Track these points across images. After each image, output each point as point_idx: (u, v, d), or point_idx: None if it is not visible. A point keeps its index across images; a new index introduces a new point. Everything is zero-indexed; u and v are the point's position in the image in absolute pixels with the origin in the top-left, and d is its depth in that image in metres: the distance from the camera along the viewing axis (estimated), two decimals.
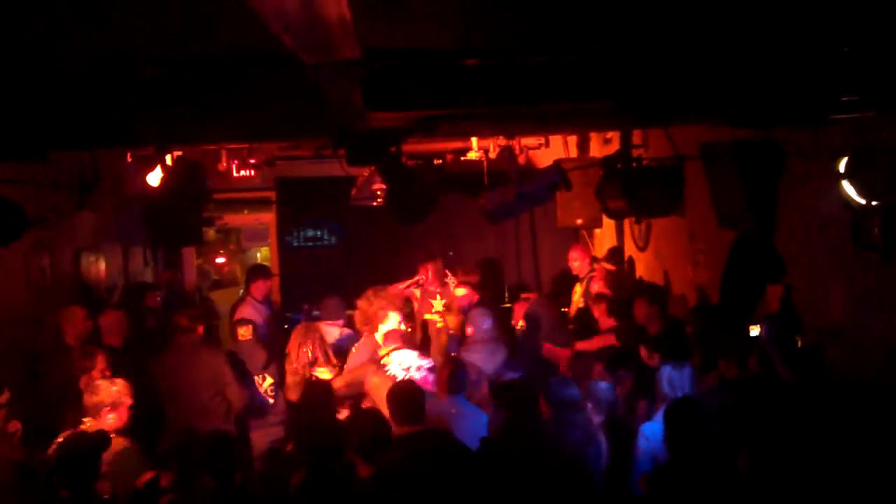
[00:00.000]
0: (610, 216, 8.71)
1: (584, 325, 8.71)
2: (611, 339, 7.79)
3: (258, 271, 9.51)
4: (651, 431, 5.13)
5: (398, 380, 6.20)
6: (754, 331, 5.84)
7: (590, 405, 5.71)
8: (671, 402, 5.08)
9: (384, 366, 6.68)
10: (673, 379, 5.42)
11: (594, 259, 9.93)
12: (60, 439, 5.07)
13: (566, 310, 9.52)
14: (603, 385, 5.89)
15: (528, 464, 4.93)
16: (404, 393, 5.36)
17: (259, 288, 9.05)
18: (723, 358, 5.87)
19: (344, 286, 10.57)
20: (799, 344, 6.25)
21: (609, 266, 10.06)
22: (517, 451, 5.08)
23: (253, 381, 7.43)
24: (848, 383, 5.57)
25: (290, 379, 7.48)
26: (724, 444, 4.98)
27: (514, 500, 4.80)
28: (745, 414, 5.12)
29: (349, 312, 8.37)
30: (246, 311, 8.72)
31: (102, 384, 5.61)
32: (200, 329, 7.31)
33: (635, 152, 7.85)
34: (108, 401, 5.47)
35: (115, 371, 6.35)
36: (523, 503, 4.81)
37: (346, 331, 8.40)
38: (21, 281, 7.51)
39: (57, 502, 4.56)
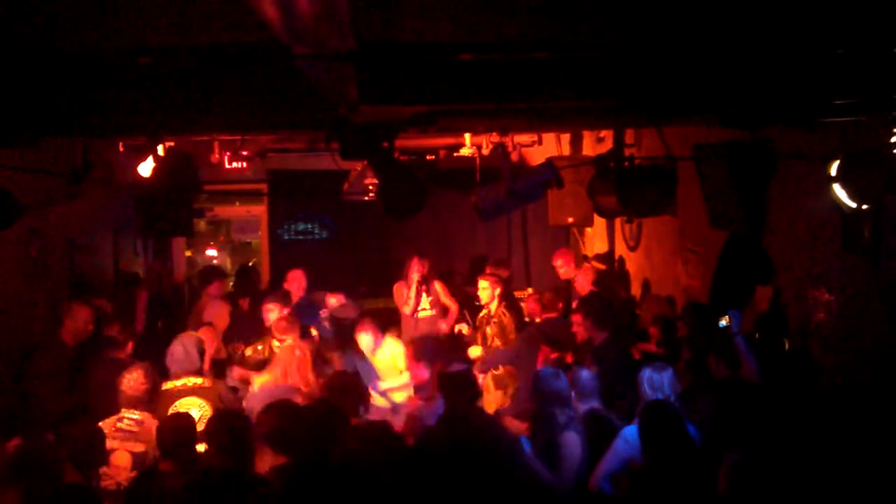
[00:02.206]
0: (601, 215, 8.72)
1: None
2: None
3: (213, 273, 9.72)
4: (632, 434, 5.14)
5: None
6: (723, 321, 5.86)
7: (573, 393, 5.75)
8: (646, 404, 5.11)
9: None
10: (654, 380, 5.44)
11: (584, 258, 9.95)
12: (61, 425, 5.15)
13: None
14: (585, 373, 5.92)
15: (459, 454, 4.96)
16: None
17: (216, 288, 9.21)
18: (713, 356, 5.89)
19: (334, 280, 10.60)
20: (787, 346, 6.29)
21: (599, 265, 10.09)
22: (451, 440, 5.13)
23: None
24: (835, 386, 5.60)
25: None
26: (708, 444, 5.00)
27: (446, 491, 4.82)
28: (733, 415, 5.13)
29: None
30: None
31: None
32: (130, 345, 6.96)
33: (628, 151, 7.87)
34: None
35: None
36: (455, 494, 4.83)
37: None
38: (13, 269, 7.48)
39: (61, 487, 4.57)
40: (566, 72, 3.97)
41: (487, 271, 9.84)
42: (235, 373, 7.45)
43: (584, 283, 9.05)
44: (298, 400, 5.63)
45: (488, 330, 8.81)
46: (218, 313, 8.24)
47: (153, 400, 5.69)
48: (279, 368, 6.38)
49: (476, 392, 5.76)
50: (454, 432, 5.24)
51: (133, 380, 5.61)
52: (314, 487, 4.55)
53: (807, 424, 4.79)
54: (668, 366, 5.63)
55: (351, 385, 5.77)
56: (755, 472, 4.38)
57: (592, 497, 5.24)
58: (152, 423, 5.50)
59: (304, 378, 6.25)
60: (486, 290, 8.94)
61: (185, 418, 5.18)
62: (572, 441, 5.43)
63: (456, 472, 4.83)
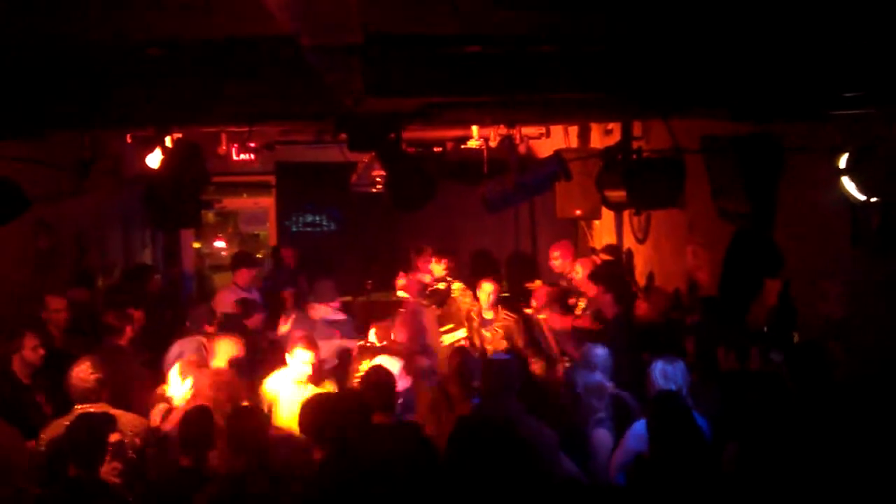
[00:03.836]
0: (609, 207, 8.71)
1: None
2: None
3: (242, 259, 9.48)
4: (643, 427, 5.14)
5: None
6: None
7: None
8: (656, 394, 5.11)
9: None
10: (667, 372, 5.44)
11: (592, 250, 9.92)
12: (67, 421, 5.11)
13: None
14: (601, 350, 5.96)
15: (493, 446, 4.89)
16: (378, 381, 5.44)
17: (243, 276, 9.06)
18: (722, 348, 5.89)
19: (342, 272, 10.63)
20: (796, 339, 6.27)
21: (606, 257, 10.07)
22: (486, 431, 5.07)
23: None
24: (845, 382, 5.58)
25: None
26: (714, 436, 5.00)
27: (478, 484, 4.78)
28: (738, 408, 5.13)
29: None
30: (226, 297, 8.76)
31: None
32: (129, 330, 6.92)
33: (636, 144, 7.85)
34: None
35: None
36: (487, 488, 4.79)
37: (340, 315, 8.58)
38: (22, 261, 7.51)
39: (64, 482, 4.58)
40: (573, 65, 3.97)
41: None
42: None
43: (582, 276, 9.05)
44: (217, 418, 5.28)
45: (486, 333, 8.40)
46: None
47: (106, 390, 5.46)
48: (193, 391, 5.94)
49: (515, 383, 5.59)
50: (487, 424, 5.16)
51: (82, 371, 5.41)
52: (344, 482, 4.55)
53: (816, 418, 4.78)
54: (679, 358, 5.64)
55: (385, 381, 5.58)
56: (753, 463, 4.39)
57: (609, 490, 5.24)
58: (117, 412, 5.31)
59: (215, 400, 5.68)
60: (490, 296, 8.45)
61: (207, 412, 5.12)
62: (604, 438, 5.44)
63: (486, 465, 4.80)
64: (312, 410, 5.06)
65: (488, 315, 8.50)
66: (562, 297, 8.55)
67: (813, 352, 5.76)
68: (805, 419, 4.85)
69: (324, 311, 8.44)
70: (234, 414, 5.11)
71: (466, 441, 4.93)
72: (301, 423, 5.09)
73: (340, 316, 8.60)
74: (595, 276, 8.46)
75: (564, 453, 5.34)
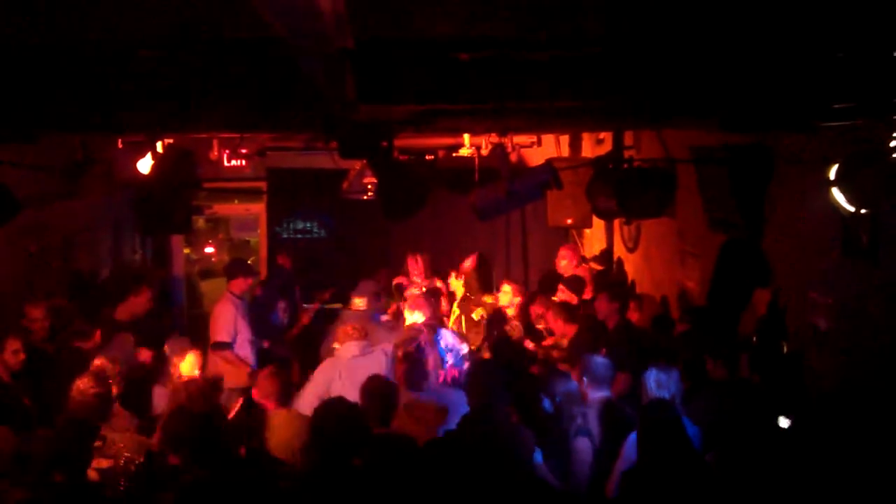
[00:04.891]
0: (600, 216, 8.74)
1: None
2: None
3: (239, 268, 9.37)
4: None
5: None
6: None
7: (585, 380, 5.74)
8: (647, 403, 5.11)
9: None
10: (661, 380, 5.44)
11: (583, 259, 9.94)
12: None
13: None
14: (599, 360, 5.92)
15: (473, 459, 4.83)
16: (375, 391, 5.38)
17: (239, 285, 8.95)
18: (710, 358, 5.90)
19: (333, 279, 10.62)
20: (785, 349, 6.29)
21: (597, 266, 10.08)
22: (476, 441, 5.03)
23: None
24: (834, 392, 5.60)
25: None
26: (705, 445, 5.01)
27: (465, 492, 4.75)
28: (725, 417, 5.15)
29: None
30: (226, 308, 8.71)
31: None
32: (98, 336, 6.95)
33: (627, 153, 7.88)
34: None
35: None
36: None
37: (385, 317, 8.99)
38: (11, 265, 7.48)
39: (50, 487, 4.55)
40: (565, 74, 3.97)
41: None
42: None
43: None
44: None
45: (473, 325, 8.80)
46: None
47: (107, 407, 5.44)
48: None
49: (500, 389, 5.55)
50: (472, 436, 5.13)
51: (82, 384, 5.35)
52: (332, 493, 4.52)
53: (799, 428, 4.81)
54: (672, 366, 5.65)
55: (384, 392, 5.47)
56: (730, 471, 4.41)
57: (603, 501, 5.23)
58: (116, 436, 5.30)
59: None
60: (506, 295, 8.97)
61: (186, 412, 5.10)
62: (584, 448, 5.42)
63: (468, 477, 4.79)
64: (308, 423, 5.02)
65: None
66: (567, 306, 8.58)
67: (791, 362, 5.81)
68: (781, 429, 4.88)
69: (363, 305, 8.89)
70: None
71: (446, 455, 4.93)
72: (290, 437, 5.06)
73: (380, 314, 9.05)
74: (568, 284, 8.54)
75: (546, 463, 5.31)
